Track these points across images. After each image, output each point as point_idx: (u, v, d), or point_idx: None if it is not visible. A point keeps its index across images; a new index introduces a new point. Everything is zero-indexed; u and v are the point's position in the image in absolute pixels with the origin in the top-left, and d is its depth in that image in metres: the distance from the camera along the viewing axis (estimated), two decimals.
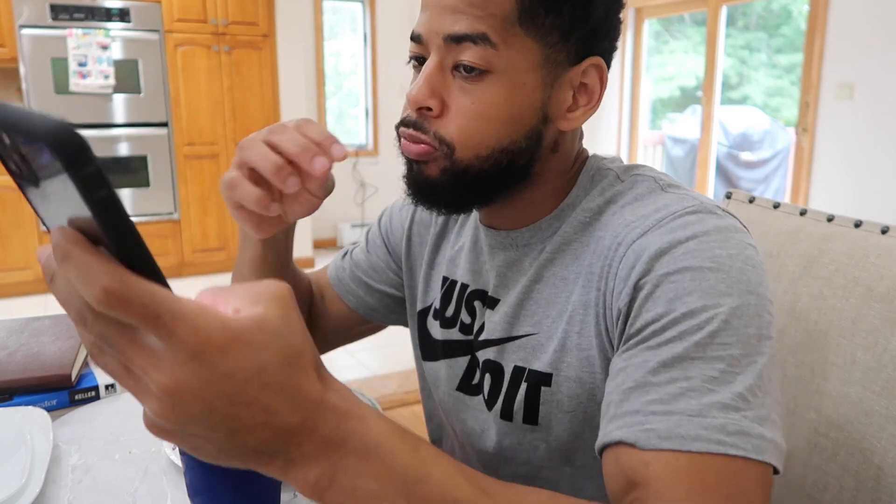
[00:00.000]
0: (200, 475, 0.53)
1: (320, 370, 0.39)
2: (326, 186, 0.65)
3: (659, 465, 0.48)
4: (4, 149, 0.31)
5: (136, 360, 0.33)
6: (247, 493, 0.53)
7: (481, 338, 0.71)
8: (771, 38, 5.73)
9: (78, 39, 3.91)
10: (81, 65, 3.93)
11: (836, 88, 3.66)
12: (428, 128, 0.62)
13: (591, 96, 0.63)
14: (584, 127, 0.67)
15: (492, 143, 0.61)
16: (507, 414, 0.67)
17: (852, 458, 0.69)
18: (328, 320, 0.90)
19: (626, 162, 0.70)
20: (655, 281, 0.54)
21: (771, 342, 0.52)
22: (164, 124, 4.25)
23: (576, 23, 0.60)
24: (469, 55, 0.59)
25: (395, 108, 5.46)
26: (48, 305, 3.92)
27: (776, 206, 0.87)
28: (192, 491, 0.54)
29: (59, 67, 3.90)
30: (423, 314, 0.80)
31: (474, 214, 0.75)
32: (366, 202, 5.55)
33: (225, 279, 4.46)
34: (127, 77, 4.08)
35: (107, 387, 0.84)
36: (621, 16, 0.64)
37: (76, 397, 0.82)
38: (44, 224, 0.35)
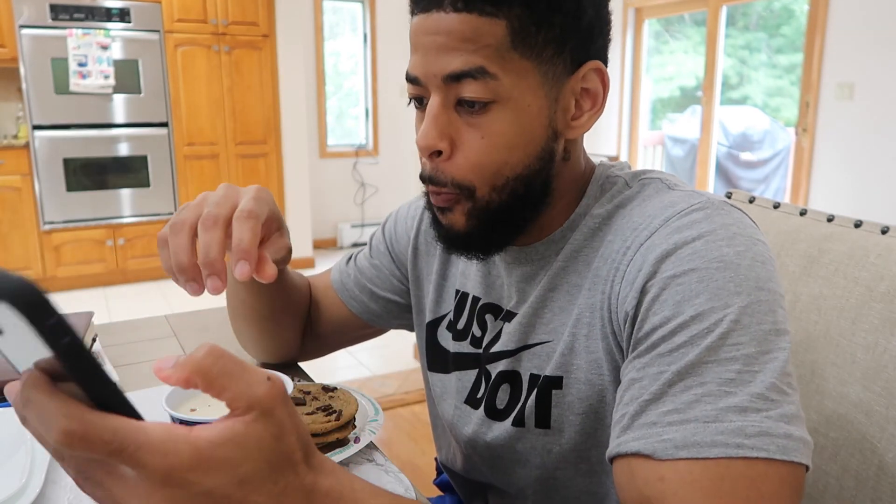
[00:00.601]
0: None
1: (310, 459, 0.39)
2: (277, 260, 0.65)
3: (674, 479, 0.47)
4: None
5: (114, 490, 0.34)
6: None
7: (493, 349, 0.70)
8: (771, 38, 5.73)
9: (78, 39, 3.91)
10: (81, 65, 3.93)
11: (836, 88, 3.65)
12: (444, 179, 0.61)
13: (594, 100, 0.62)
14: None
15: (506, 173, 0.60)
16: (519, 420, 0.67)
17: (852, 458, 0.69)
18: (329, 324, 0.90)
19: (626, 161, 0.70)
20: (662, 283, 0.53)
21: (788, 336, 0.51)
22: (164, 124, 4.25)
23: (568, 31, 0.59)
24: (471, 90, 0.58)
25: (395, 109, 5.46)
26: None
27: (776, 206, 0.87)
28: None
29: (59, 67, 3.90)
30: (434, 325, 0.80)
31: None
32: (366, 202, 5.55)
33: None
34: (127, 77, 4.08)
35: None
36: (611, 8, 0.64)
37: None
38: (14, 369, 0.36)
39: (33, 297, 0.30)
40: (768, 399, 0.47)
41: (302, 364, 0.92)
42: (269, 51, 4.45)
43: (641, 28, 4.98)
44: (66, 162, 4.02)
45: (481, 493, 0.80)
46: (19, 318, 0.30)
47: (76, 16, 3.91)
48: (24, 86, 3.86)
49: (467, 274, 0.76)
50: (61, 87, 3.92)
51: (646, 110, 5.21)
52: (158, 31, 4.13)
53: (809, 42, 3.75)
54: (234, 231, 0.58)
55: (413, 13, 0.61)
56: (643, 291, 0.54)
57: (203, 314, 1.13)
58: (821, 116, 3.76)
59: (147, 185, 4.26)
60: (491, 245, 0.65)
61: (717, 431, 0.47)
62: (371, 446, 0.70)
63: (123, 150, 4.16)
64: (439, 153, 0.61)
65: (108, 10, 3.99)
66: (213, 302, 3.12)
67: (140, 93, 4.15)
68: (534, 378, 0.66)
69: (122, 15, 4.02)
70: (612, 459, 0.52)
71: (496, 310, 0.72)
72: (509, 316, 0.70)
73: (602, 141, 5.24)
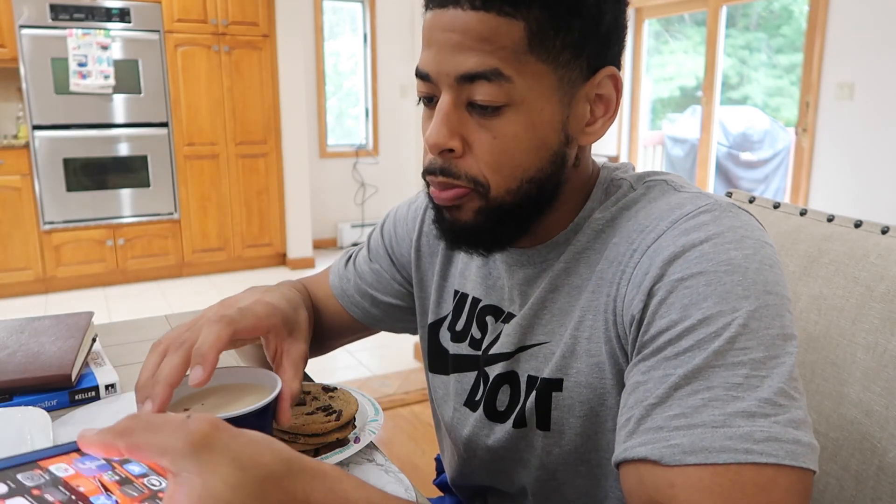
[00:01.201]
0: None
1: (292, 467, 0.39)
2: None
3: (685, 485, 0.46)
4: None
5: None
6: None
7: (492, 351, 0.70)
8: (771, 38, 5.73)
9: (78, 39, 3.91)
10: (81, 65, 3.93)
11: (836, 88, 3.65)
12: (457, 171, 0.59)
13: (608, 106, 0.61)
14: None
15: (519, 175, 0.59)
16: (519, 421, 0.67)
17: (852, 458, 0.69)
18: (330, 329, 0.89)
19: (630, 163, 0.69)
20: (669, 286, 0.53)
21: (796, 341, 0.51)
22: (164, 124, 4.25)
23: (587, 36, 0.58)
24: (484, 93, 0.56)
25: (395, 108, 5.46)
26: (48, 305, 3.92)
27: (776, 206, 0.87)
28: None
29: (59, 67, 3.90)
30: (435, 326, 0.79)
31: None
32: (366, 202, 5.55)
33: (225, 279, 4.46)
34: (127, 77, 4.08)
35: (107, 387, 0.83)
36: (627, 14, 0.63)
37: (76, 397, 0.82)
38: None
39: None
40: (776, 404, 0.47)
41: None
42: (269, 51, 4.45)
43: (641, 28, 4.98)
44: (66, 162, 4.02)
45: (481, 495, 0.80)
46: None
47: (76, 16, 3.91)
48: (24, 86, 3.86)
49: (466, 275, 0.75)
50: (61, 87, 3.92)
51: (646, 110, 5.21)
52: (158, 31, 4.13)
53: (809, 42, 3.75)
54: (200, 336, 0.58)
55: (428, 7, 0.59)
56: (650, 294, 0.54)
57: None
58: (821, 116, 3.76)
59: (147, 185, 4.26)
60: (495, 242, 0.64)
61: (725, 437, 0.46)
62: (371, 446, 0.70)
63: (123, 150, 4.16)
64: (451, 151, 0.59)
65: (108, 10, 3.99)
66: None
67: (140, 93, 4.14)
68: (531, 380, 0.66)
69: (122, 15, 4.02)
70: (618, 464, 0.51)
71: (497, 312, 0.71)
72: (510, 318, 0.69)
73: (602, 141, 5.24)
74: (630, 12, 5.11)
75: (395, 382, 2.83)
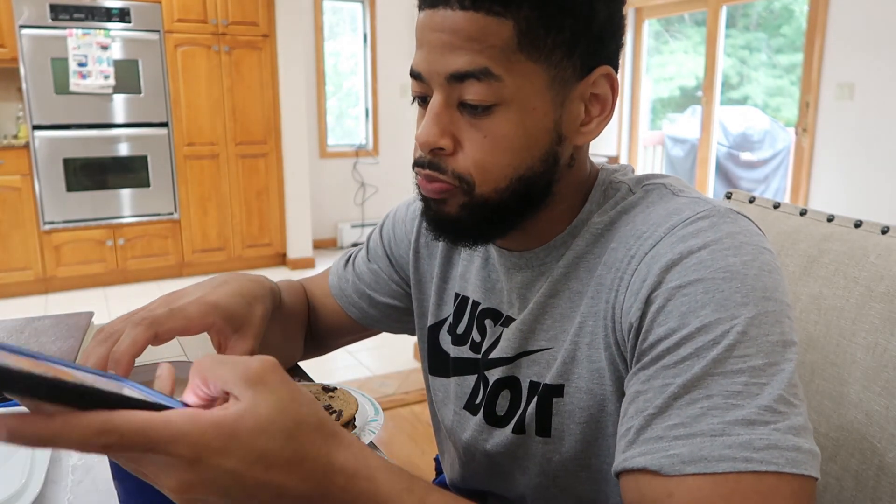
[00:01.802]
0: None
1: (324, 430, 0.41)
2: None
3: (682, 495, 0.46)
4: None
5: (146, 469, 0.38)
6: None
7: (492, 355, 0.69)
8: (771, 38, 5.73)
9: (78, 39, 3.91)
10: (81, 65, 3.93)
11: (836, 88, 3.65)
12: (444, 166, 0.60)
13: (603, 106, 0.61)
14: None
15: (509, 174, 0.59)
16: (520, 427, 0.66)
17: (852, 458, 0.69)
18: (328, 329, 0.89)
19: (629, 165, 0.69)
20: (667, 294, 0.52)
21: (795, 348, 0.51)
22: (164, 124, 4.25)
23: (578, 36, 0.57)
24: (474, 92, 0.56)
25: (395, 108, 5.46)
26: (48, 305, 3.92)
27: (776, 206, 0.87)
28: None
29: (59, 67, 3.90)
30: (435, 329, 0.79)
31: None
32: (366, 202, 5.55)
33: None
34: (127, 77, 4.08)
35: None
36: (624, 12, 0.62)
37: None
38: None
39: None
40: (776, 411, 0.47)
41: (302, 364, 0.92)
42: (269, 51, 4.45)
43: (641, 28, 4.98)
44: (66, 162, 4.02)
45: (480, 498, 0.80)
46: None
47: (76, 16, 3.91)
48: (24, 86, 3.86)
49: (467, 277, 0.75)
50: (61, 87, 3.92)
51: (646, 110, 5.21)
52: (158, 31, 4.13)
53: (809, 42, 3.75)
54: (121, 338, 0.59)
55: (420, 8, 0.60)
56: (648, 302, 0.53)
57: None
58: (821, 116, 3.76)
59: (147, 185, 4.26)
60: (480, 236, 0.64)
61: (724, 445, 0.46)
62: (371, 446, 0.70)
63: (123, 150, 4.16)
64: (441, 149, 0.60)
65: (108, 10, 3.99)
66: None
67: (140, 93, 4.14)
68: (534, 385, 0.65)
69: (122, 15, 4.02)
70: (618, 474, 0.51)
71: (496, 315, 0.71)
72: (509, 322, 0.69)
73: (602, 141, 5.24)
74: (630, 12, 5.12)
75: (395, 382, 2.83)
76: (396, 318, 0.86)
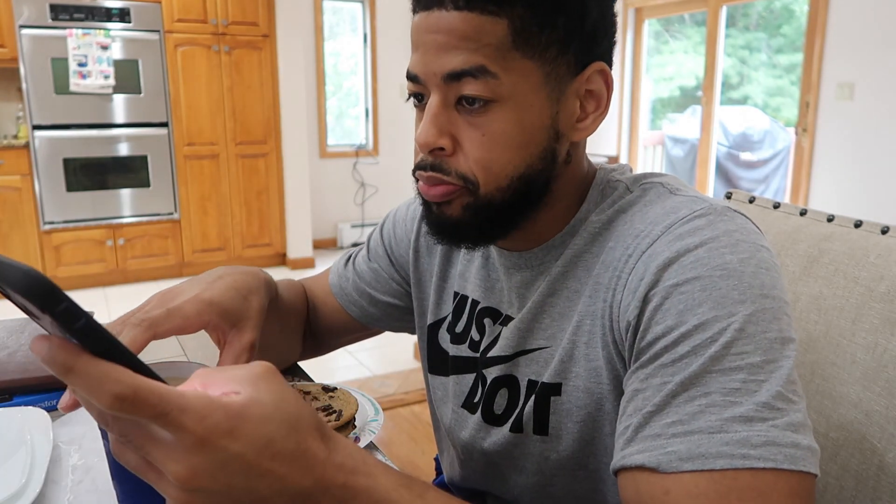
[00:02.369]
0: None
1: (322, 430, 0.41)
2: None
3: (680, 492, 0.46)
4: (6, 292, 0.35)
5: (154, 454, 0.37)
6: None
7: (491, 354, 0.70)
8: (771, 38, 5.73)
9: (78, 39, 3.91)
10: (81, 65, 3.93)
11: (836, 88, 3.66)
12: (447, 168, 0.60)
13: (598, 102, 0.62)
14: None
15: (510, 172, 0.59)
16: (517, 426, 0.67)
17: (852, 458, 0.69)
18: (328, 328, 0.89)
19: (627, 164, 0.69)
20: (664, 292, 0.52)
21: (794, 344, 0.51)
22: (164, 124, 4.25)
23: (572, 33, 0.58)
24: (470, 89, 0.57)
25: (395, 109, 5.46)
26: None
27: (776, 206, 0.87)
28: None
29: (59, 67, 3.90)
30: (435, 327, 0.79)
31: None
32: (366, 202, 5.55)
33: None
34: (127, 77, 4.08)
35: None
36: (616, 9, 0.63)
37: None
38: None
39: (40, 287, 0.32)
40: (774, 408, 0.47)
41: (302, 364, 0.92)
42: (269, 51, 4.45)
43: (641, 28, 4.98)
44: (66, 162, 4.02)
45: (479, 498, 0.80)
46: (34, 307, 0.33)
47: (76, 16, 3.91)
48: (24, 86, 3.86)
49: (466, 276, 0.75)
50: (61, 87, 3.92)
51: (646, 110, 5.21)
52: (158, 31, 4.13)
53: (809, 42, 3.75)
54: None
55: (415, 11, 0.60)
56: (645, 300, 0.54)
57: None
58: (821, 116, 3.76)
59: (147, 185, 4.26)
60: (481, 237, 0.64)
61: (722, 442, 0.46)
62: (371, 446, 0.70)
63: (123, 150, 4.16)
64: (441, 150, 0.60)
65: (108, 10, 3.99)
66: None
67: (140, 93, 4.14)
68: (532, 384, 0.65)
69: (122, 15, 4.02)
70: (616, 472, 0.51)
71: (495, 314, 0.71)
72: (508, 321, 0.69)
73: (602, 141, 5.24)
74: (630, 12, 5.13)
75: (395, 382, 2.83)
76: (396, 317, 0.87)
